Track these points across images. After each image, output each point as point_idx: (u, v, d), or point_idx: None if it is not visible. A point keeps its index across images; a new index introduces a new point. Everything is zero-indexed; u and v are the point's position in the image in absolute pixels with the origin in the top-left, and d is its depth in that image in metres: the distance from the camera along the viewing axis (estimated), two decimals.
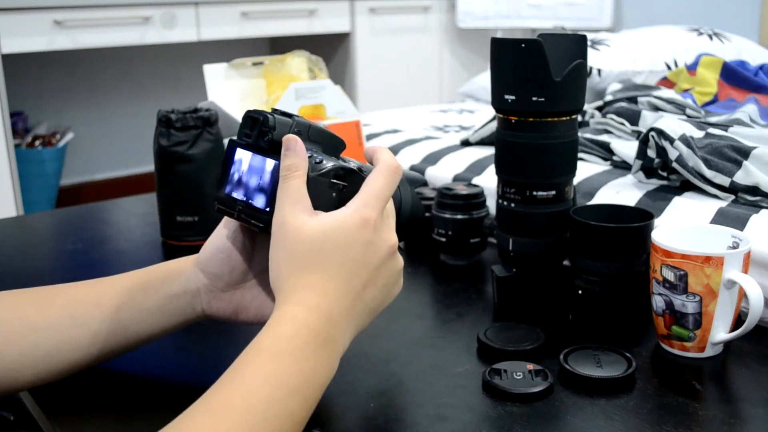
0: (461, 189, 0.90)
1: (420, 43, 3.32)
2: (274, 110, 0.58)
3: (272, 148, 0.56)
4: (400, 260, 0.57)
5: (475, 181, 1.01)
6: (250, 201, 0.57)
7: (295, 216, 0.53)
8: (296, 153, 0.54)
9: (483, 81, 1.82)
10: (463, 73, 3.39)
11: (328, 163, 0.56)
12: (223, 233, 0.61)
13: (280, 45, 3.34)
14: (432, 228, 0.91)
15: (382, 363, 0.67)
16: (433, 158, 1.12)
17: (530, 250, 0.75)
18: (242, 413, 0.44)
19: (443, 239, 0.90)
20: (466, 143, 1.16)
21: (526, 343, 0.68)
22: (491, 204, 0.86)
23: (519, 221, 0.75)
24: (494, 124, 0.96)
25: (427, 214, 0.93)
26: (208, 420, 0.44)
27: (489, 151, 1.09)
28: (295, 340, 0.49)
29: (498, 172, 0.77)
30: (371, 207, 0.54)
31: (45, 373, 0.59)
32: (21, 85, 2.93)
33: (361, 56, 3.15)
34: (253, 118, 0.57)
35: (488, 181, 0.98)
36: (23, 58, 2.71)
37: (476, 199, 0.89)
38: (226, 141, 1.00)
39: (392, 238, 0.56)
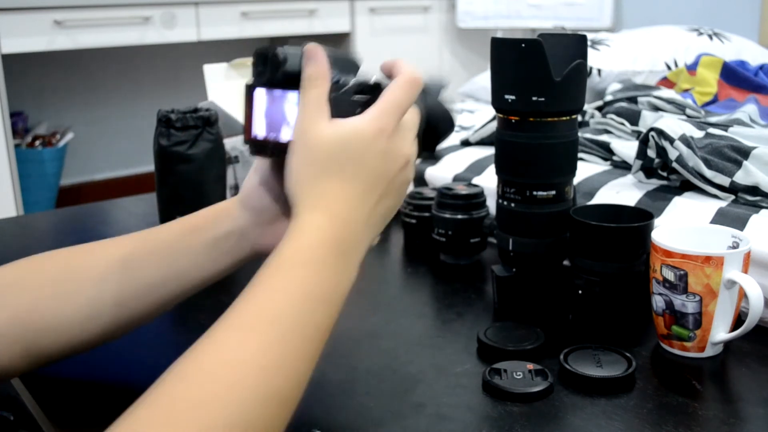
0: (461, 189, 0.90)
1: (420, 43, 3.31)
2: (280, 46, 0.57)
3: (288, 81, 0.55)
4: (411, 172, 0.57)
5: (475, 181, 1.01)
6: (277, 138, 0.56)
7: (315, 123, 0.52)
8: (317, 62, 0.54)
9: (483, 81, 1.82)
10: (463, 73, 3.39)
11: (349, 81, 0.55)
12: (259, 169, 0.61)
13: (280, 45, 3.34)
14: (432, 228, 0.91)
15: (382, 363, 0.67)
16: (433, 158, 1.12)
17: (530, 250, 0.75)
18: (270, 326, 0.45)
19: (443, 239, 0.90)
20: (466, 143, 1.16)
21: (526, 343, 0.68)
22: (491, 204, 0.86)
23: (519, 221, 0.75)
24: (494, 124, 0.96)
25: (426, 214, 0.93)
26: (237, 334, 0.44)
27: (489, 151, 1.08)
28: (318, 249, 0.49)
29: (498, 172, 0.77)
30: (386, 117, 0.54)
31: (112, 326, 0.58)
32: (21, 85, 2.93)
33: (361, 56, 3.14)
34: (262, 54, 0.56)
35: (488, 181, 0.98)
36: (23, 58, 2.71)
37: (476, 199, 0.89)
38: (226, 141, 1.00)
39: (407, 149, 0.55)
